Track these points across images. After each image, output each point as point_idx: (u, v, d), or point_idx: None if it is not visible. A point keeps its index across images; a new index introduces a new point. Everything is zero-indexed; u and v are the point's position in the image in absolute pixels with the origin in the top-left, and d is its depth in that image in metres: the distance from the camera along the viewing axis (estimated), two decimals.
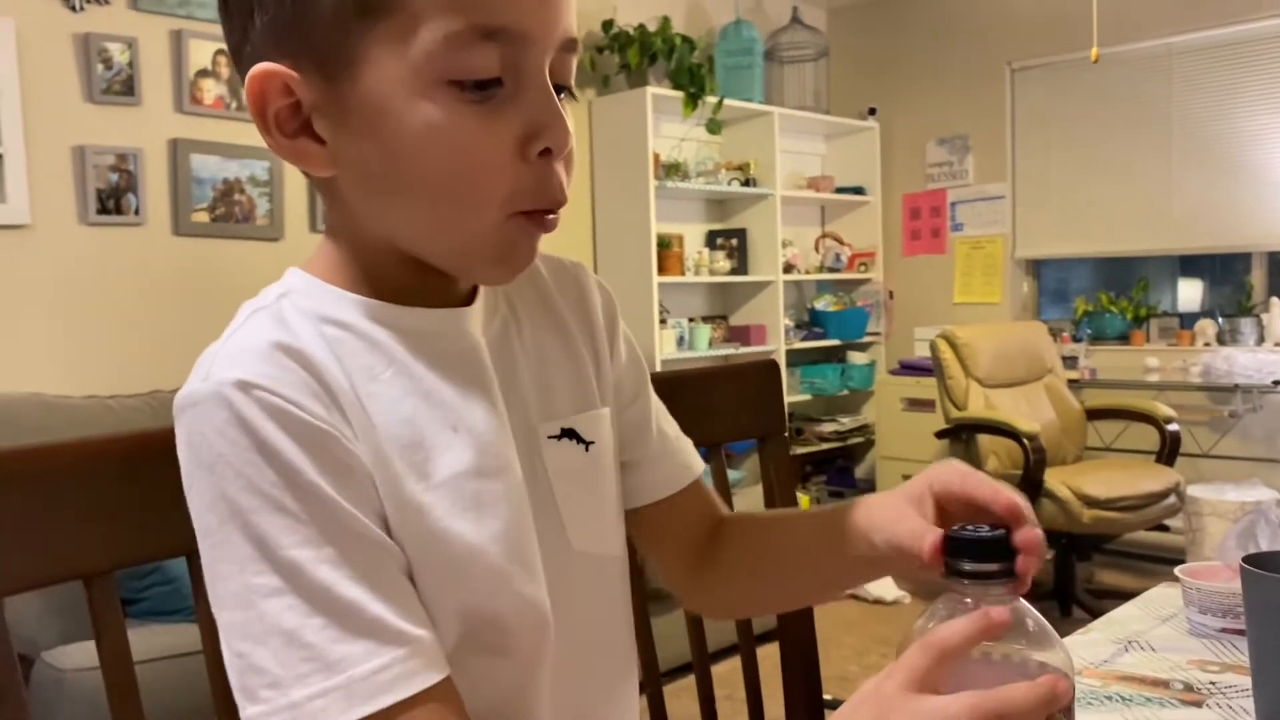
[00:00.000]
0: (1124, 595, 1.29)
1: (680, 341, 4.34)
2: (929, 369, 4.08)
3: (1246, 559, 0.81)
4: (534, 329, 0.74)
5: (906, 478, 0.69)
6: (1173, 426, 3.68)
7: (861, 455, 5.16)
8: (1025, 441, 3.39)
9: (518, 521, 0.66)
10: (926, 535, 0.60)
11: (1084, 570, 3.91)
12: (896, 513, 0.67)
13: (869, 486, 4.97)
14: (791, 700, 1.14)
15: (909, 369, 4.71)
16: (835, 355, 5.19)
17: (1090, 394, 4.08)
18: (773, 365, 1.16)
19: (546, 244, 0.69)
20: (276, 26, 0.59)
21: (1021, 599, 0.56)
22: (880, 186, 5.14)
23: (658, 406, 0.84)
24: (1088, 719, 0.88)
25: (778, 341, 4.63)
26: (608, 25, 4.22)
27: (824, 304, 5.07)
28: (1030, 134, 4.74)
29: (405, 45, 0.57)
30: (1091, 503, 3.32)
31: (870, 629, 3.51)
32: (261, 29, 0.60)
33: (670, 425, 0.84)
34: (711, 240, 4.68)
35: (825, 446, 4.93)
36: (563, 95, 0.62)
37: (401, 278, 0.65)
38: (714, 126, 4.38)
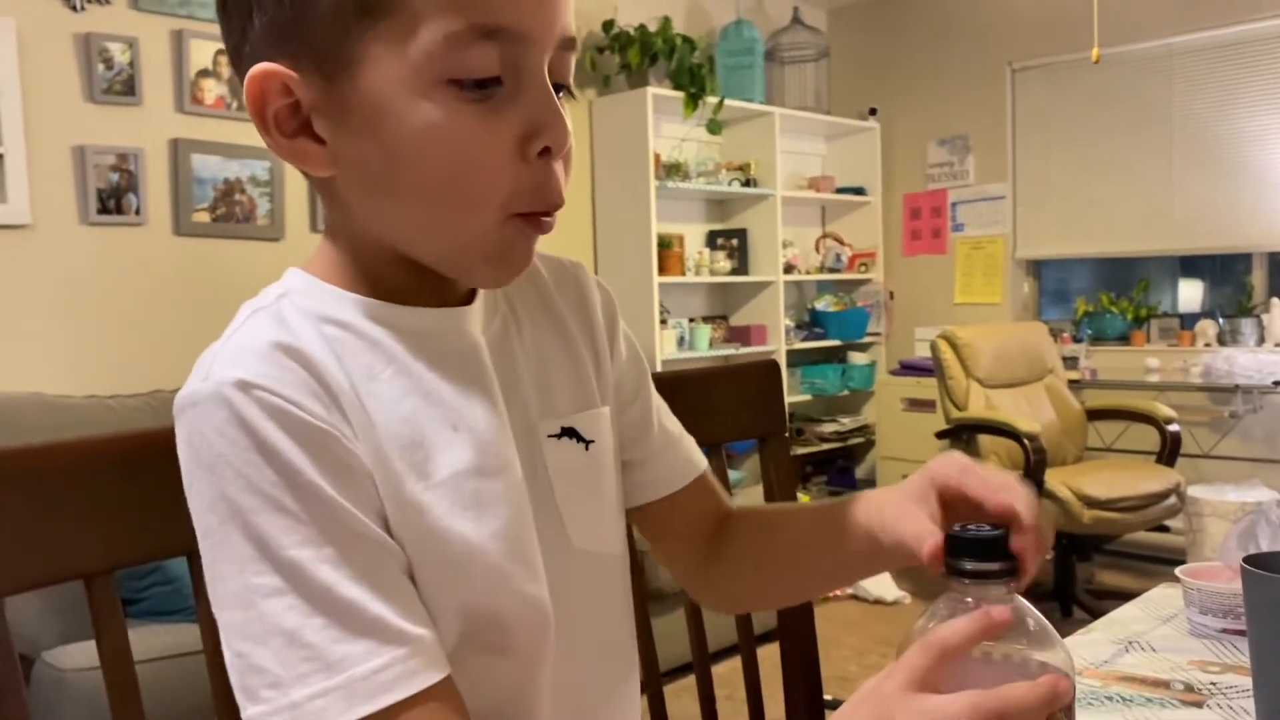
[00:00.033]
0: (1124, 596, 1.29)
1: (681, 342, 4.34)
2: (929, 369, 4.08)
3: (1247, 559, 0.81)
4: (534, 328, 0.74)
5: (906, 478, 0.69)
6: (1173, 427, 3.68)
7: (862, 455, 5.16)
8: (1026, 442, 3.39)
9: (518, 520, 0.66)
10: (926, 539, 0.60)
11: (1084, 571, 3.91)
12: (900, 510, 0.66)
13: (869, 487, 4.96)
14: (792, 700, 1.14)
15: (909, 369, 4.71)
16: (836, 355, 5.19)
17: (1091, 394, 4.08)
18: (773, 365, 1.16)
19: (547, 244, 0.69)
20: (276, 26, 0.59)
21: (1022, 599, 0.56)
22: (881, 187, 5.14)
23: (659, 404, 0.84)
24: (1088, 719, 0.88)
25: (778, 342, 4.63)
26: (608, 25, 4.22)
27: (824, 304, 5.07)
28: (1031, 134, 4.74)
29: (405, 45, 0.57)
30: (1092, 503, 3.32)
31: (870, 629, 3.51)
32: (260, 29, 0.60)
33: (673, 422, 0.84)
34: (712, 240, 4.68)
35: (826, 447, 4.93)
36: (561, 94, 0.62)
37: (401, 277, 0.65)
38: (714, 127, 4.38)
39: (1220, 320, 4.29)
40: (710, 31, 4.70)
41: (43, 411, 2.41)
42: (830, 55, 4.95)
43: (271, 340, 0.60)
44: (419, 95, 0.58)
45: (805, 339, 4.90)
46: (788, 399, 4.68)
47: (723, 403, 1.11)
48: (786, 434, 1.17)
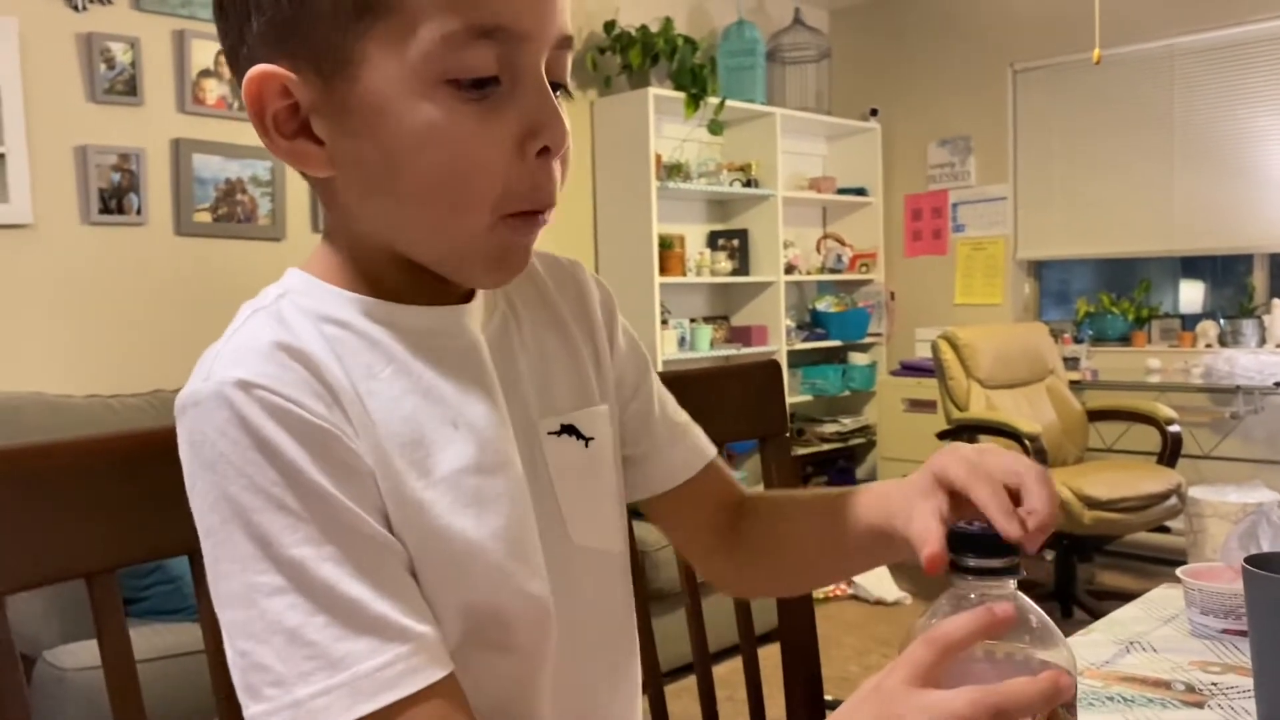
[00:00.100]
0: (1125, 596, 1.29)
1: (682, 342, 4.34)
2: (930, 370, 4.08)
3: (1248, 560, 0.81)
4: (533, 326, 0.74)
5: (912, 473, 0.69)
6: (1174, 428, 3.67)
7: (863, 456, 5.16)
8: (1027, 442, 3.39)
9: (519, 517, 0.66)
10: (926, 542, 0.60)
11: (1085, 571, 3.91)
12: (908, 506, 0.66)
13: None
14: (792, 701, 1.14)
15: (910, 370, 4.71)
16: (836, 356, 5.19)
17: (1091, 395, 4.07)
18: (774, 366, 1.16)
19: (548, 244, 0.69)
20: (274, 28, 0.59)
21: (1024, 596, 0.56)
22: (882, 187, 5.14)
23: (664, 395, 0.84)
24: (1089, 719, 0.88)
25: (779, 342, 4.63)
26: (610, 26, 4.22)
27: (825, 305, 5.07)
28: (1032, 135, 4.73)
29: (403, 45, 0.57)
30: (1093, 504, 3.32)
31: (871, 630, 3.51)
32: (258, 30, 0.60)
33: (679, 413, 0.85)
34: (713, 241, 4.68)
35: (826, 447, 4.93)
36: (559, 93, 0.63)
37: (400, 277, 0.66)
38: (716, 127, 4.38)
39: (1221, 321, 4.29)
40: (712, 32, 4.71)
41: (44, 411, 2.41)
42: (831, 56, 4.96)
43: (272, 340, 0.60)
44: (417, 95, 0.58)
45: (806, 339, 4.90)
46: (789, 399, 4.67)
47: (724, 403, 1.11)
48: (787, 434, 1.17)
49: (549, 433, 0.72)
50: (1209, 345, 4.23)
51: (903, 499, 0.68)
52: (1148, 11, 4.27)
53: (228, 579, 0.57)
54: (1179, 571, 1.10)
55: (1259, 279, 4.32)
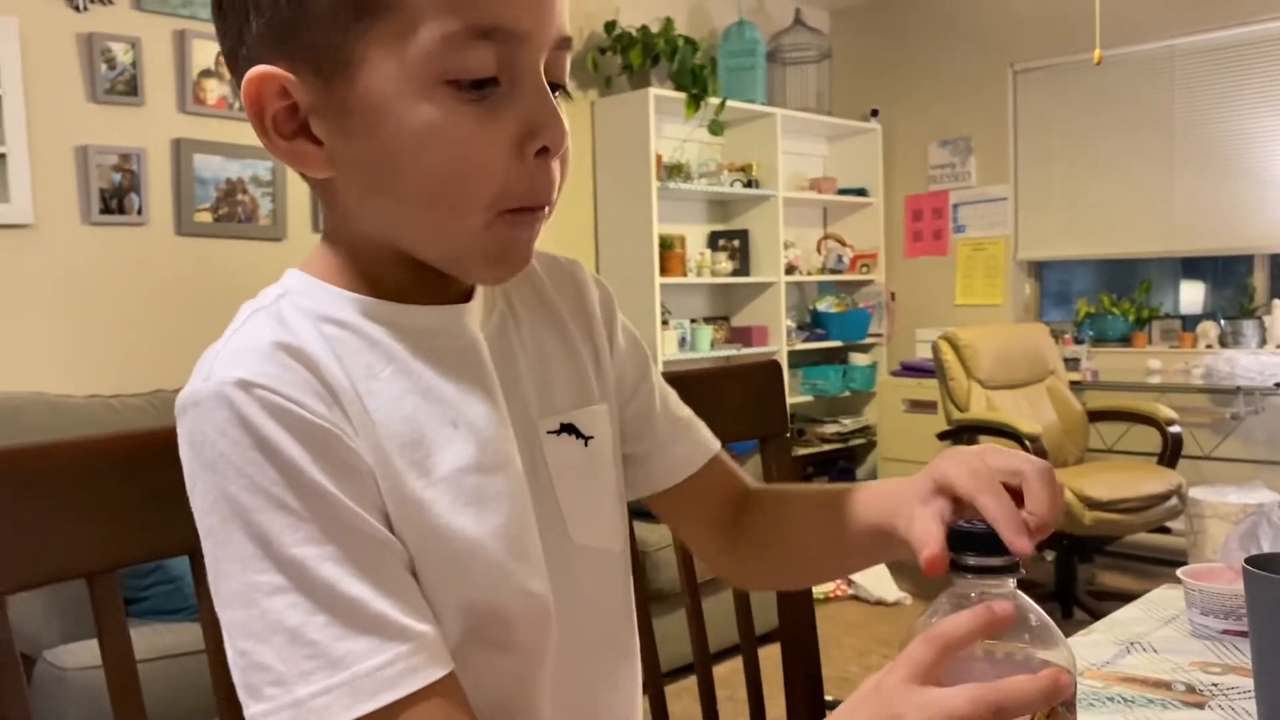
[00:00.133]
0: (1126, 597, 1.29)
1: (682, 342, 4.35)
2: (931, 370, 4.08)
3: (1249, 560, 0.81)
4: (532, 325, 0.74)
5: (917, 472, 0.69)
6: (1174, 428, 3.67)
7: (863, 456, 5.16)
8: (1027, 443, 3.38)
9: (519, 516, 0.67)
10: (926, 544, 0.60)
11: (1085, 572, 3.91)
12: (908, 507, 0.66)
13: None
14: (793, 701, 1.14)
15: (911, 370, 4.71)
16: (837, 356, 5.19)
17: (1092, 396, 4.07)
18: (775, 366, 1.16)
19: (547, 244, 0.69)
20: (272, 29, 0.59)
21: (1024, 595, 0.56)
22: (882, 188, 5.14)
23: (666, 391, 0.85)
24: (1090, 719, 0.88)
25: (779, 343, 4.63)
26: (610, 26, 4.22)
27: (826, 305, 5.07)
28: (1032, 136, 4.73)
29: (403, 46, 0.58)
30: (1093, 504, 3.32)
31: (871, 630, 3.51)
32: (257, 31, 0.60)
33: (681, 408, 0.85)
34: (714, 241, 4.68)
35: (827, 448, 4.93)
36: (557, 93, 0.63)
37: (399, 276, 0.66)
38: (716, 128, 4.38)
39: (1222, 322, 4.29)
40: (712, 32, 4.71)
41: (44, 411, 2.41)
42: (832, 56, 4.96)
43: (272, 340, 0.60)
44: (417, 96, 0.58)
45: (807, 340, 4.90)
46: (789, 400, 4.66)
47: (724, 403, 1.11)
48: (788, 435, 1.17)
49: (548, 432, 0.72)
50: (1209, 346, 4.23)
51: (903, 499, 0.68)
52: (1148, 12, 4.27)
53: (228, 579, 0.57)
54: (1179, 572, 1.10)
55: (1259, 280, 4.32)
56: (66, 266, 2.90)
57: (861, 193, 5.10)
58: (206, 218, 3.16)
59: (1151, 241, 4.44)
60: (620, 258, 4.26)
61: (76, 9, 2.89)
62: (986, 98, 4.80)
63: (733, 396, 1.12)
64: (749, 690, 1.11)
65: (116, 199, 2.98)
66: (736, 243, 4.62)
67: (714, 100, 4.28)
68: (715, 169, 4.50)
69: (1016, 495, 0.61)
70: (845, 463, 5.13)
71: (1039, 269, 4.94)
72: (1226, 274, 4.54)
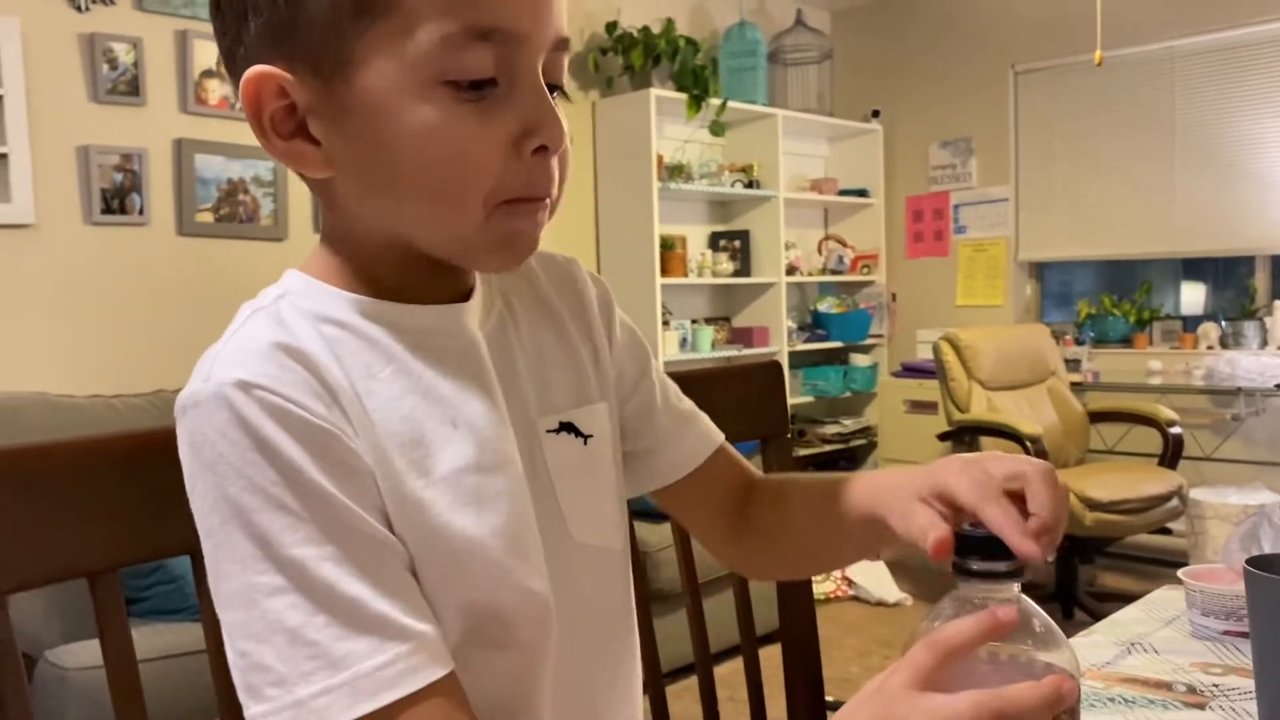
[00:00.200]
0: (1126, 598, 1.29)
1: (683, 343, 4.35)
2: (931, 371, 4.08)
3: (1249, 561, 0.81)
4: (530, 324, 0.74)
5: (916, 466, 0.69)
6: (1175, 429, 3.67)
7: (864, 457, 5.16)
8: (1028, 444, 3.38)
9: (518, 515, 0.67)
10: (932, 529, 0.60)
11: (1086, 573, 3.91)
12: (902, 503, 0.66)
13: None
14: (793, 701, 1.14)
15: (911, 371, 4.71)
16: (838, 357, 5.19)
17: (1093, 397, 4.07)
18: (775, 366, 1.16)
19: (548, 243, 0.69)
20: (271, 29, 0.59)
21: (1028, 599, 0.55)
22: (883, 189, 5.13)
23: (668, 385, 0.85)
24: None
25: (780, 343, 4.63)
26: (611, 27, 4.22)
27: (827, 306, 5.07)
28: (1033, 137, 4.73)
29: (401, 46, 0.58)
30: (1094, 505, 3.32)
31: (872, 631, 3.51)
32: (255, 32, 0.60)
33: (683, 401, 0.85)
34: (714, 242, 4.68)
35: (828, 448, 4.93)
36: (555, 94, 0.63)
37: (398, 276, 0.66)
38: (717, 128, 4.38)
39: (1223, 323, 4.29)
40: (713, 33, 4.71)
41: (45, 411, 2.41)
42: (833, 57, 4.96)
43: (271, 340, 0.60)
44: (415, 96, 0.58)
45: (807, 340, 4.90)
46: (790, 400, 4.66)
47: (725, 404, 1.10)
48: (789, 435, 1.17)
49: (548, 431, 0.72)
50: (1210, 347, 4.23)
51: (896, 492, 0.68)
52: (1149, 13, 4.27)
53: (228, 579, 0.57)
54: (1180, 573, 1.10)
55: (1260, 281, 4.32)
56: (68, 266, 2.90)
57: (862, 193, 5.10)
58: (208, 218, 3.17)
59: (1152, 242, 4.44)
60: (621, 258, 4.26)
61: (78, 9, 2.89)
62: (987, 98, 4.80)
63: (733, 397, 1.12)
64: (750, 691, 1.11)
65: (118, 199, 2.99)
66: (737, 243, 4.62)
67: (715, 101, 4.28)
68: (716, 170, 4.50)
69: (1020, 500, 0.60)
70: (846, 463, 5.13)
71: (1040, 270, 4.94)
72: (1227, 275, 4.54)
